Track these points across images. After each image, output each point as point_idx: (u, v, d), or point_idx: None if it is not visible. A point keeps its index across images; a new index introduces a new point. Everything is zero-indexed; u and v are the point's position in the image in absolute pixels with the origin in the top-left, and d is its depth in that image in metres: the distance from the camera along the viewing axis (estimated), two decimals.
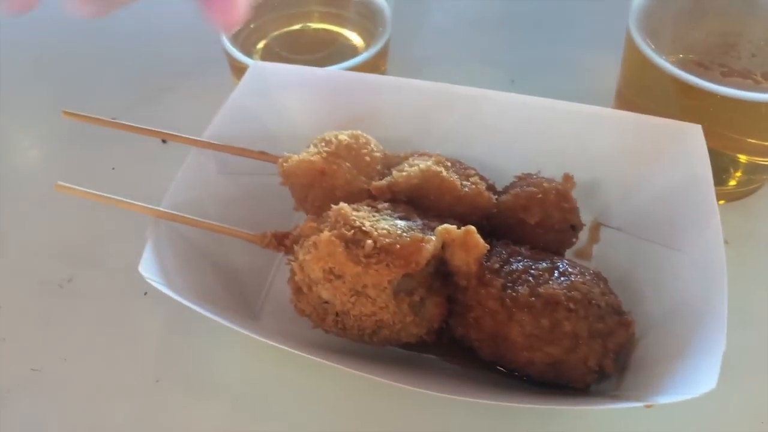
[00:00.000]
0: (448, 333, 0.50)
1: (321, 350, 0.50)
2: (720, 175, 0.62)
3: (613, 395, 0.47)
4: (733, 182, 0.62)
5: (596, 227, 0.59)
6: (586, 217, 0.55)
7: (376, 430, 0.50)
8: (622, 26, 0.62)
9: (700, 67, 0.55)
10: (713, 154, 0.60)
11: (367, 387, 0.49)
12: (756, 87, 0.54)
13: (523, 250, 0.49)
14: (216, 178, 0.57)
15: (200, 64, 0.77)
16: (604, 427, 0.50)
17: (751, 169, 0.62)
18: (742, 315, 0.56)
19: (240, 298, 0.54)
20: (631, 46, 0.60)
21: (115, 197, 0.52)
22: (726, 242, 0.61)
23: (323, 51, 0.71)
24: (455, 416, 0.50)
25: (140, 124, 0.72)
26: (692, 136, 0.53)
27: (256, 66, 0.60)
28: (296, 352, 0.44)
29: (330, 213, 0.47)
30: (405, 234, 0.46)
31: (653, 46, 0.58)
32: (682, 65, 0.56)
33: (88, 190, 0.52)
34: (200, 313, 0.46)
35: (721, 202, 0.63)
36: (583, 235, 0.58)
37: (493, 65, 0.78)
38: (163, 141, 0.69)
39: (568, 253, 0.58)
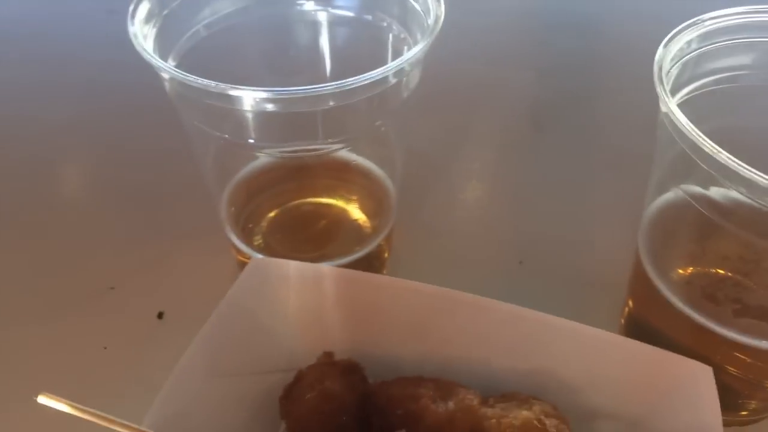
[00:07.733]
0: None
1: None
2: (735, 401, 0.59)
3: None
4: (747, 410, 0.59)
5: None
6: None
7: None
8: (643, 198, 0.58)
9: (710, 303, 0.53)
10: (732, 378, 0.56)
11: None
12: None
13: None
14: (204, 383, 0.55)
15: (200, 229, 0.74)
16: None
17: None
18: None
19: None
20: (638, 265, 0.57)
21: (98, 413, 0.50)
22: None
23: (323, 235, 0.70)
24: None
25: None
26: (703, 378, 0.50)
27: (256, 261, 0.59)
28: None
29: None
30: None
31: (660, 270, 0.55)
32: (692, 298, 0.53)
33: (72, 404, 0.50)
34: None
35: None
36: None
37: (500, 244, 0.75)
38: (159, 316, 0.68)
39: None
